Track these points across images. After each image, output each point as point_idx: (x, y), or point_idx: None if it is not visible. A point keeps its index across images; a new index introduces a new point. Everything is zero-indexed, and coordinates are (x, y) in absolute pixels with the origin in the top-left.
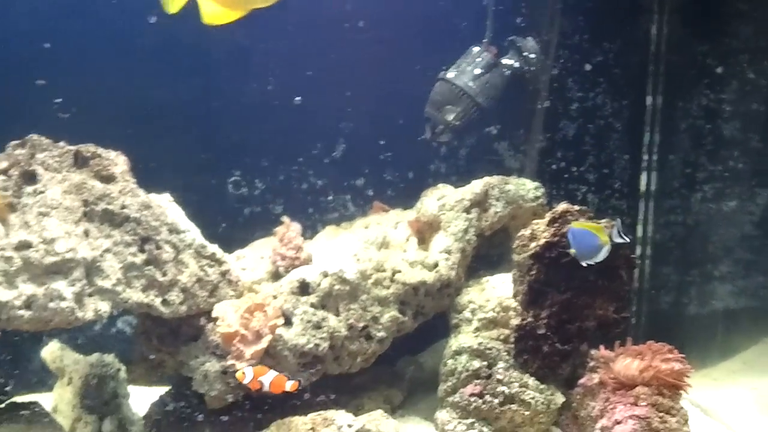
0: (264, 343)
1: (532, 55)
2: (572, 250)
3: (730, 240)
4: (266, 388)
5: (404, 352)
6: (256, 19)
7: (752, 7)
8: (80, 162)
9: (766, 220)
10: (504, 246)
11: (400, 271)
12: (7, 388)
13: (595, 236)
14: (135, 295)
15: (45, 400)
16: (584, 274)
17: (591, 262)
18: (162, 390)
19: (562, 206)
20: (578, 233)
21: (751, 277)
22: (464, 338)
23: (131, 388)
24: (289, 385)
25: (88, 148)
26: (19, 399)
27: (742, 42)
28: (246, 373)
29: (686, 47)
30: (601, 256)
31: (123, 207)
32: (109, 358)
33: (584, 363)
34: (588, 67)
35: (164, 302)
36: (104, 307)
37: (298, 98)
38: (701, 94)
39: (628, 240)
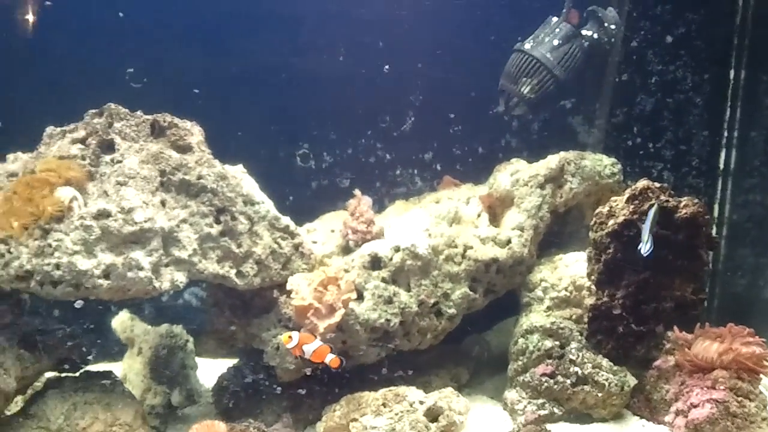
0: (337, 317)
1: (612, 27)
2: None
3: None
4: (308, 355)
5: (472, 330)
6: None
7: None
8: (157, 131)
9: None
10: (577, 223)
11: (471, 248)
12: (89, 357)
13: None
14: (211, 266)
15: (119, 370)
16: (663, 253)
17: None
18: (227, 363)
19: (642, 183)
20: None
21: None
22: (536, 317)
23: (200, 360)
24: (329, 359)
25: (165, 118)
26: (93, 368)
27: None
28: (293, 337)
29: None
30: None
31: (199, 177)
32: (178, 329)
33: (659, 345)
34: (669, 39)
35: (239, 274)
36: (180, 277)
37: (386, 67)
38: None
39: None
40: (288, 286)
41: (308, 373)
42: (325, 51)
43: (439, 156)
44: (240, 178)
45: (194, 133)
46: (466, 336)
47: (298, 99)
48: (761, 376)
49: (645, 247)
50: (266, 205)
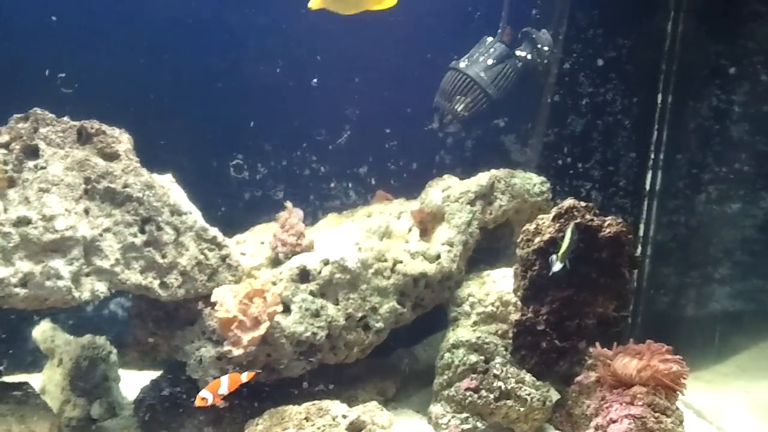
0: (262, 330)
1: (546, 48)
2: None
3: (731, 242)
4: (227, 391)
5: (400, 344)
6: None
7: None
8: (84, 138)
9: None
10: (506, 240)
11: (401, 262)
12: (0, 368)
13: None
14: (133, 276)
15: (35, 381)
16: (587, 271)
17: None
18: (151, 375)
19: (568, 202)
20: None
21: (750, 281)
22: (462, 332)
23: (123, 372)
24: (245, 376)
25: (92, 125)
26: (9, 379)
27: (757, 43)
28: (206, 397)
29: (700, 46)
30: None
31: (125, 186)
32: (101, 340)
33: (581, 360)
34: (600, 62)
35: (162, 285)
36: (101, 287)
37: (314, 80)
38: (712, 94)
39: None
40: (213, 298)
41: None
42: (262, 62)
43: (374, 170)
44: (168, 187)
45: (122, 140)
46: (394, 350)
47: (233, 109)
48: (678, 392)
49: (555, 266)
50: (194, 216)
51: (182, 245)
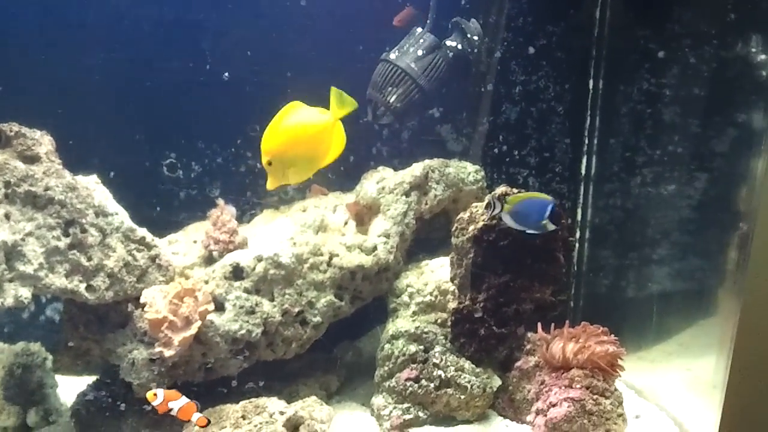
0: (193, 330)
1: (476, 38)
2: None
3: (668, 223)
4: (174, 413)
5: (344, 337)
6: None
7: None
8: (2, 141)
9: (703, 204)
10: (445, 229)
11: (337, 255)
12: None
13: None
14: (58, 280)
15: None
16: (522, 257)
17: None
18: (89, 380)
19: (501, 189)
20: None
21: (688, 260)
22: (401, 322)
23: (61, 378)
24: (196, 417)
25: (11, 127)
26: None
27: (684, 27)
28: (157, 395)
29: (629, 32)
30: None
31: (47, 189)
32: (36, 346)
33: (521, 346)
34: (531, 50)
35: (89, 288)
36: (25, 293)
37: (226, 74)
38: (642, 78)
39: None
40: (142, 299)
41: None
42: (192, 59)
43: None
44: (92, 188)
45: (43, 143)
46: (338, 343)
47: (165, 108)
48: (617, 372)
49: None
50: (120, 217)
51: (109, 247)
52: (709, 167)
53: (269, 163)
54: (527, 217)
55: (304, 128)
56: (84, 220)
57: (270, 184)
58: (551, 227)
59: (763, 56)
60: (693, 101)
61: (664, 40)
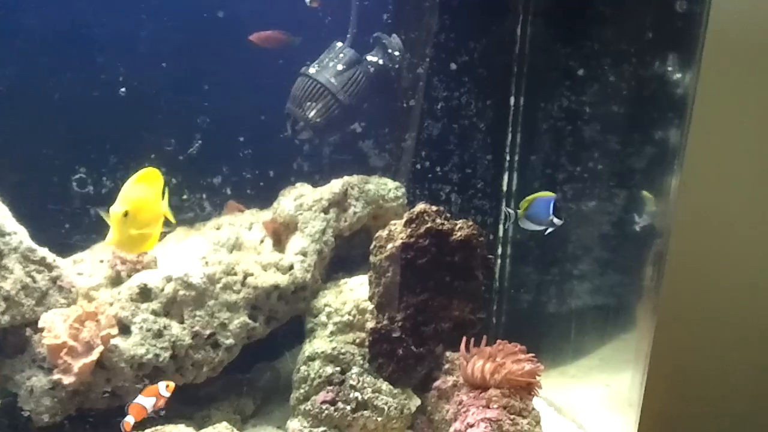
0: (94, 356)
1: (397, 53)
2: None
3: (588, 239)
4: (150, 408)
5: (261, 359)
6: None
7: (614, 12)
8: None
9: (623, 220)
10: (365, 247)
11: (252, 274)
12: None
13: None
14: None
15: None
16: (440, 275)
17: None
18: None
19: (419, 207)
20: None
21: (609, 276)
22: (318, 343)
23: None
24: (162, 387)
25: None
26: None
27: (603, 45)
28: (129, 422)
29: (549, 49)
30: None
31: None
32: None
33: (440, 365)
34: (453, 66)
35: None
36: None
37: (122, 89)
38: (563, 95)
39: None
40: (40, 324)
41: (59, 418)
42: (104, 71)
43: (229, 180)
44: None
45: None
46: (254, 365)
47: (74, 121)
48: (534, 391)
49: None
50: (19, 236)
51: (6, 268)
52: (628, 184)
53: (125, 214)
54: (538, 215)
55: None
56: None
57: (113, 238)
58: (557, 221)
59: (678, 75)
60: (612, 118)
61: (584, 58)
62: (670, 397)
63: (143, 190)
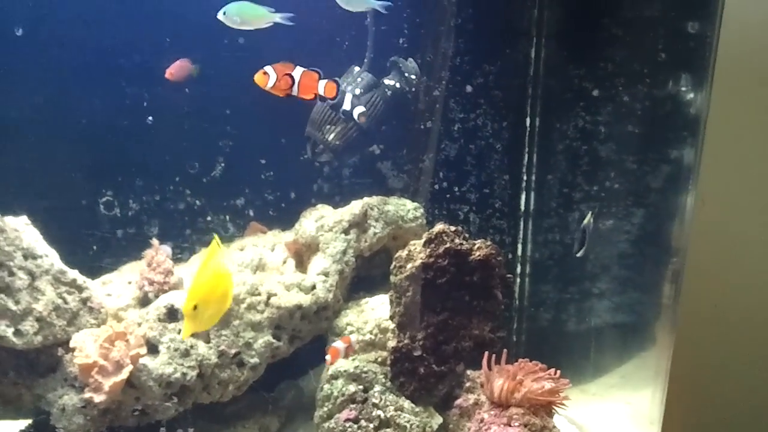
0: (124, 374)
1: (413, 76)
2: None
3: (607, 258)
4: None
5: (286, 377)
6: (129, 34)
7: (626, 32)
8: None
9: (641, 238)
10: (385, 267)
11: (275, 295)
12: None
13: None
14: None
15: None
16: (460, 294)
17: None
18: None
19: (438, 227)
20: None
21: (628, 294)
22: (341, 362)
23: None
24: (323, 85)
25: None
26: None
27: (617, 66)
28: (268, 74)
29: (563, 71)
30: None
31: None
32: None
33: (461, 384)
34: (469, 88)
35: (17, 333)
36: None
37: (150, 118)
38: (578, 116)
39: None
40: (71, 344)
41: None
42: (128, 97)
43: (251, 202)
44: (21, 230)
45: None
46: (278, 384)
47: (101, 146)
48: (556, 409)
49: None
50: (50, 259)
51: (38, 290)
52: (645, 203)
53: (195, 308)
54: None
55: (221, 277)
56: (12, 263)
57: (187, 331)
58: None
59: (692, 94)
60: (627, 138)
61: (598, 79)
62: (690, 414)
63: (209, 275)
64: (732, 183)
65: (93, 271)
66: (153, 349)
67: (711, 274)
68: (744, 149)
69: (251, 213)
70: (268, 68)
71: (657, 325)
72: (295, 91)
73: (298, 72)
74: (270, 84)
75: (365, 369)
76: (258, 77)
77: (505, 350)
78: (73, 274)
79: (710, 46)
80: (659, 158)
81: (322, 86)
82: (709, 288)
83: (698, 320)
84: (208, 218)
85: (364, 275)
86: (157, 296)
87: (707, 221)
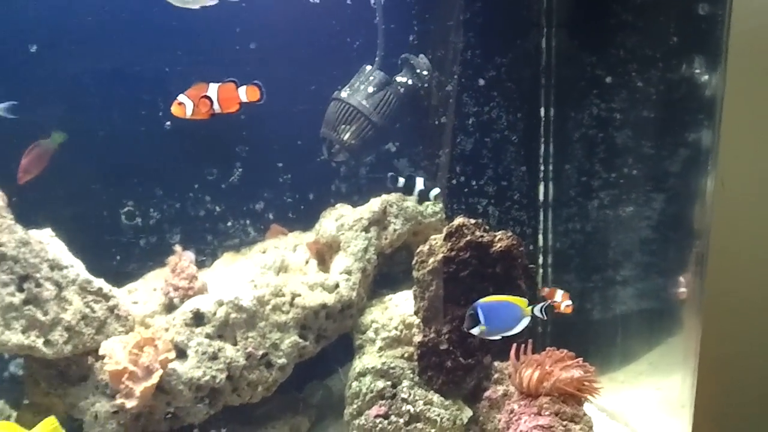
0: (155, 379)
1: (425, 72)
2: (481, 328)
3: (629, 244)
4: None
5: (314, 377)
6: (144, 42)
7: (636, 18)
8: None
9: (662, 223)
10: (407, 263)
11: (299, 295)
12: None
13: (513, 307)
14: (14, 336)
15: None
16: (483, 286)
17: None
18: None
19: (458, 220)
20: (487, 308)
21: (651, 280)
22: (368, 359)
23: None
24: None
25: None
26: None
27: (629, 52)
28: (184, 104)
29: (575, 59)
30: (519, 327)
31: None
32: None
33: (489, 375)
34: (482, 81)
35: (47, 343)
36: None
37: (168, 123)
38: (592, 104)
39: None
40: (101, 351)
41: None
42: (145, 106)
43: (271, 205)
44: (46, 242)
45: None
46: (307, 384)
47: (120, 156)
48: (587, 397)
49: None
50: (76, 269)
51: (65, 300)
52: (665, 187)
53: None
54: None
55: None
56: (38, 275)
57: None
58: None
59: (706, 76)
60: (643, 123)
61: (611, 66)
62: (722, 396)
63: None
64: (751, 163)
65: (119, 279)
66: (181, 353)
67: (735, 255)
68: (762, 129)
69: (271, 216)
70: (181, 97)
71: (683, 309)
72: (217, 109)
73: (213, 90)
74: (189, 112)
75: (392, 365)
76: (174, 109)
77: (530, 340)
78: (99, 283)
79: (723, 27)
80: (677, 142)
81: (243, 93)
82: (734, 269)
83: (725, 302)
84: (229, 223)
85: (387, 272)
86: (182, 301)
87: (728, 203)
